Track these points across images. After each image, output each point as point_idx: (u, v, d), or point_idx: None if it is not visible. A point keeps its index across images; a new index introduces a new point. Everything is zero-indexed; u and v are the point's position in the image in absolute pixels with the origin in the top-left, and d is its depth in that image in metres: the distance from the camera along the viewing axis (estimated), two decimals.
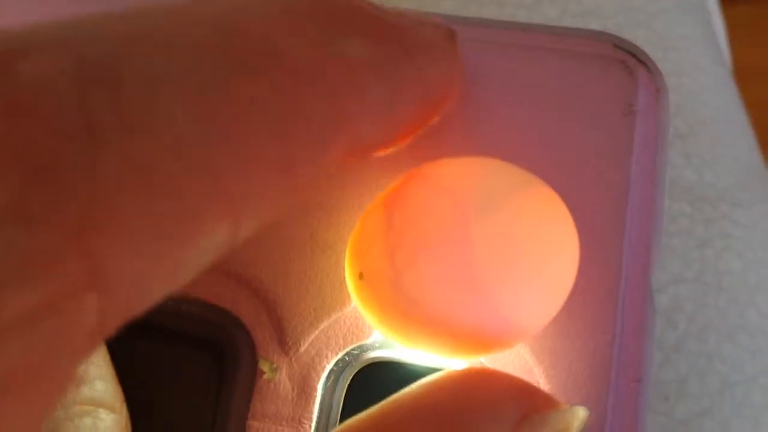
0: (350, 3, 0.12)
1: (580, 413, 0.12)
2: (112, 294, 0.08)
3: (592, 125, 0.15)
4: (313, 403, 0.14)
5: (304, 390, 0.14)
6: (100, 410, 0.13)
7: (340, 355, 0.15)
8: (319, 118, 0.10)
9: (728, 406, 0.20)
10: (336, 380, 0.15)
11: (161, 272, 0.09)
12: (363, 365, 0.15)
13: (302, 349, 0.15)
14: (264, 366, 0.14)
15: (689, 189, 0.22)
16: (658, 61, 0.24)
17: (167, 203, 0.09)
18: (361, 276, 0.13)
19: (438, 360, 0.14)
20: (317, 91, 0.10)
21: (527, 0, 0.22)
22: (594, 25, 0.23)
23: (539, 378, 0.14)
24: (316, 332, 0.15)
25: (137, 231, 0.08)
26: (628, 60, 0.15)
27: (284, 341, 0.15)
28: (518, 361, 0.14)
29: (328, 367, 0.15)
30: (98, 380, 0.13)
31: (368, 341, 0.15)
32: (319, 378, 0.14)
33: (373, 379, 0.15)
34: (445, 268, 0.12)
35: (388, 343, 0.15)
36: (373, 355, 0.15)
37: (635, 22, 0.24)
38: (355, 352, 0.15)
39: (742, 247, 0.23)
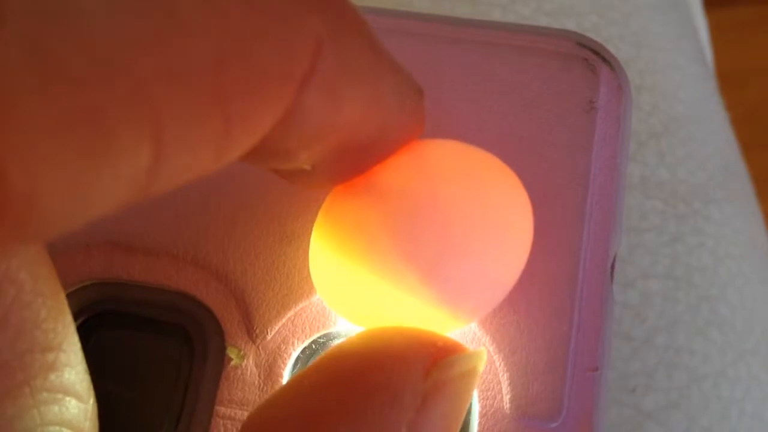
0: None
1: (483, 354, 0.13)
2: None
3: (554, 121, 0.16)
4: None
5: (271, 377, 0.15)
6: (68, 399, 0.13)
7: (306, 343, 0.15)
8: (262, 64, 0.10)
9: (696, 398, 0.20)
10: (302, 367, 0.15)
11: (67, 182, 0.08)
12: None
13: (269, 336, 0.15)
14: (231, 353, 0.15)
15: (662, 186, 0.23)
16: (632, 59, 0.25)
17: (76, 99, 0.08)
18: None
19: None
20: (267, 37, 0.10)
21: None
22: (568, 23, 0.23)
23: (498, 365, 0.14)
24: (283, 320, 0.15)
25: (39, 127, 0.08)
26: (591, 58, 0.16)
27: (252, 329, 0.15)
28: None
29: (295, 354, 0.15)
30: (68, 368, 0.13)
31: (334, 330, 0.15)
32: (285, 365, 0.15)
33: None
34: (417, 221, 0.12)
35: (354, 332, 0.15)
36: (338, 340, 0.15)
37: (610, 20, 0.24)
38: (321, 340, 0.15)
39: (714, 243, 0.23)
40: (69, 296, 0.15)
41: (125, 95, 0.08)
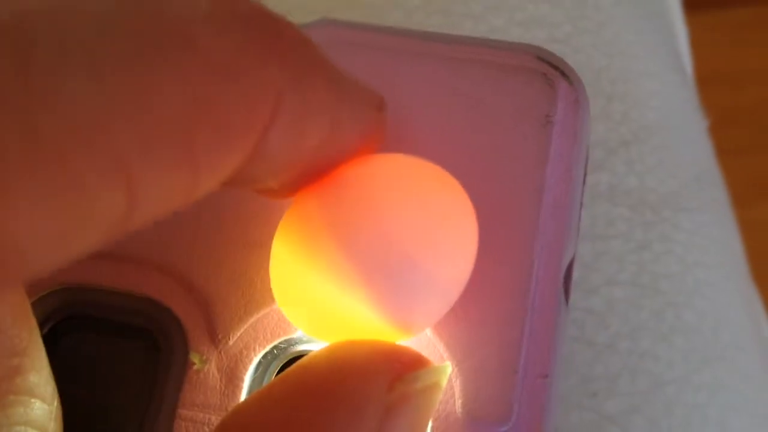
0: (280, 27, 0.12)
1: (447, 369, 0.13)
2: None
3: (511, 134, 0.16)
4: (240, 393, 0.15)
5: (232, 381, 0.15)
6: (33, 401, 0.14)
7: (267, 348, 0.15)
8: (227, 119, 0.11)
9: (659, 404, 0.21)
10: (264, 372, 0.15)
11: (49, 238, 0.09)
12: (289, 358, 0.16)
13: (231, 342, 0.15)
14: (194, 358, 0.15)
15: (629, 194, 0.23)
16: (604, 68, 0.25)
17: (55, 168, 0.09)
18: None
19: None
20: (230, 94, 0.11)
21: (474, 10, 0.23)
22: (541, 33, 0.23)
23: (451, 370, 0.15)
24: (245, 326, 0.15)
25: (23, 193, 0.09)
26: (550, 72, 0.16)
27: (215, 334, 0.15)
28: (432, 356, 0.15)
29: (256, 359, 0.15)
30: (32, 372, 0.14)
31: (295, 335, 0.15)
32: (246, 369, 0.15)
33: None
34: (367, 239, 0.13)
35: (314, 338, 0.15)
36: (300, 348, 0.16)
37: (582, 29, 0.25)
38: (282, 345, 0.16)
39: (683, 250, 0.23)
40: (37, 302, 0.16)
41: (102, 161, 0.09)
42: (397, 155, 0.14)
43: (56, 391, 0.14)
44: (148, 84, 0.10)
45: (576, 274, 0.21)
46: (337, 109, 0.13)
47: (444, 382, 0.13)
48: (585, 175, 0.17)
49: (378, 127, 0.14)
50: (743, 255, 0.28)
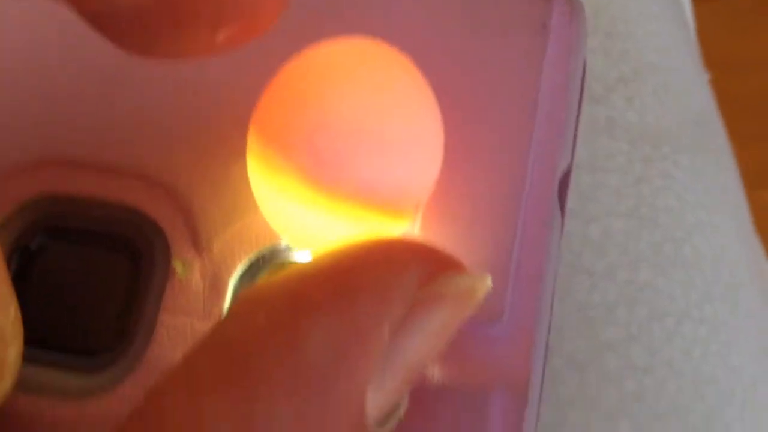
0: None
1: (486, 280, 0.12)
2: None
3: (506, 42, 0.16)
4: (224, 299, 0.15)
5: (215, 286, 0.15)
6: None
7: (252, 255, 0.15)
8: None
9: (657, 334, 0.20)
10: (248, 279, 0.15)
11: None
12: (274, 266, 0.15)
13: (215, 249, 0.15)
14: (177, 265, 0.15)
15: (628, 129, 0.23)
16: (603, 6, 0.25)
17: None
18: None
19: None
20: None
21: None
22: None
23: None
24: (230, 232, 0.15)
25: None
26: None
27: (198, 242, 0.15)
28: None
29: (240, 266, 0.15)
30: None
31: (281, 244, 0.15)
32: (230, 275, 0.15)
33: None
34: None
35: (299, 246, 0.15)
36: (287, 255, 0.15)
37: None
38: (268, 253, 0.15)
39: (682, 188, 0.23)
40: (17, 213, 0.15)
41: None
42: (351, 39, 0.13)
43: (13, 294, 0.13)
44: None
45: (574, 203, 0.21)
46: None
47: (481, 295, 0.12)
48: (582, 88, 0.17)
49: None
50: (745, 202, 0.28)
